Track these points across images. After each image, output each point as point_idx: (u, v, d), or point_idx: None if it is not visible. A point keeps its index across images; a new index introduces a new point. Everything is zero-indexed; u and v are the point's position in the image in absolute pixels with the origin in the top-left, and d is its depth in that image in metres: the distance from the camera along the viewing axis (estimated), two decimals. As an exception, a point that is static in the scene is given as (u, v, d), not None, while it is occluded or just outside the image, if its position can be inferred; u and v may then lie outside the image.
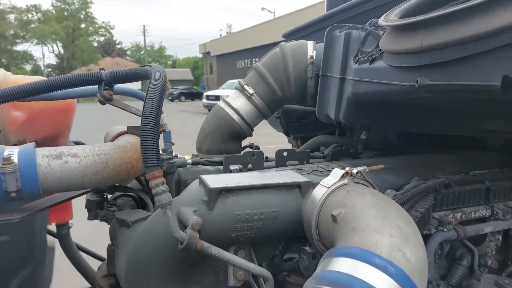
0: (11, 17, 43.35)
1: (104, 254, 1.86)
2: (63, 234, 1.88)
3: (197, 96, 32.91)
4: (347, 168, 0.91)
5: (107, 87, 0.99)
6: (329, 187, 0.88)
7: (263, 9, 43.88)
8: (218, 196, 0.89)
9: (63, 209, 1.85)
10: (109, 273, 1.63)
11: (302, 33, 2.27)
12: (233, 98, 1.75)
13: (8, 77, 1.13)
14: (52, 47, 46.11)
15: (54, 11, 45.80)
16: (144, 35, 48.29)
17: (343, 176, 0.90)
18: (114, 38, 53.20)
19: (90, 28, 47.37)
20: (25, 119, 1.19)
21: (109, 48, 52.03)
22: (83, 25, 47.19)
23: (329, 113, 1.42)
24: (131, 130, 1.12)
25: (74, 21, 45.57)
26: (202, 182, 0.94)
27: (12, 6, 43.55)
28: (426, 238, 1.15)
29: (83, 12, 47.07)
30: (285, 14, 25.95)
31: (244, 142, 1.89)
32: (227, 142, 1.78)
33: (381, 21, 1.01)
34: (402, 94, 0.98)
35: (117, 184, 1.23)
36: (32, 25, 44.42)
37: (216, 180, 0.93)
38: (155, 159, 0.79)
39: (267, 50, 1.80)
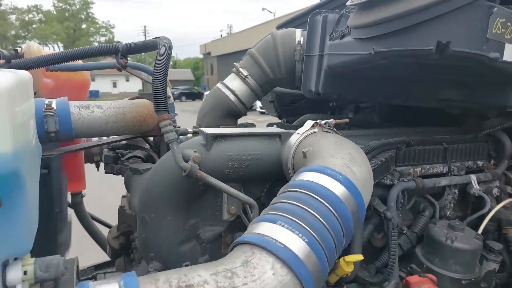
0: (12, 17, 43.73)
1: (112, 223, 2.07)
2: (77, 202, 2.10)
3: (197, 96, 33.22)
4: (317, 120, 1.13)
5: (122, 56, 1.20)
6: (302, 134, 1.10)
7: (263, 9, 44.08)
8: (214, 140, 1.11)
9: (78, 179, 2.06)
10: (120, 231, 1.84)
11: (293, 24, 2.48)
12: (229, 79, 1.95)
13: (41, 50, 1.35)
14: (53, 47, 46.22)
15: (55, 12, 46.07)
16: (145, 35, 48.47)
17: (313, 126, 1.12)
18: (115, 39, 53.35)
19: (91, 28, 47.58)
20: (53, 86, 1.41)
21: (110, 48, 51.98)
22: (84, 26, 47.44)
23: (311, 87, 1.63)
24: (141, 95, 1.33)
25: (75, 22, 45.82)
26: (201, 131, 1.16)
27: (14, 7, 43.85)
28: (390, 188, 1.37)
29: (84, 13, 47.33)
30: (285, 14, 26.11)
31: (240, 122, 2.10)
32: (224, 120, 1.97)
33: (348, 2, 1.23)
34: (364, 63, 1.19)
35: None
36: (33, 26, 44.72)
37: (212, 130, 1.15)
38: (164, 105, 1.00)
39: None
